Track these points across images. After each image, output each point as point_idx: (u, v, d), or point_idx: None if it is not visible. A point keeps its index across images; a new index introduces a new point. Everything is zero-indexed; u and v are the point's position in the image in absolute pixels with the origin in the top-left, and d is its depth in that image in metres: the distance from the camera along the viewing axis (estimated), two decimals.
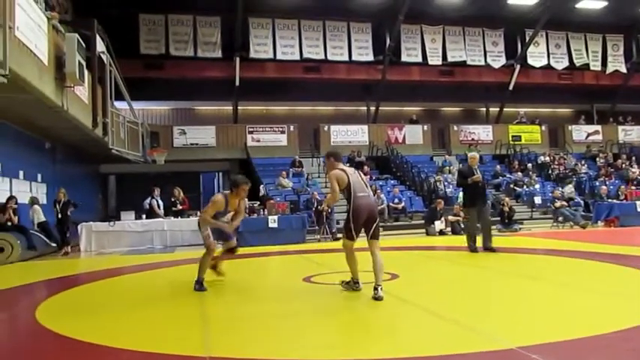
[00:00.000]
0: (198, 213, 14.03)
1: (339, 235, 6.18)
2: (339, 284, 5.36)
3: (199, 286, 5.50)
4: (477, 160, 8.89)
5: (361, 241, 5.08)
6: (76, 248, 11.87)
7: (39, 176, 12.48)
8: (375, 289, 4.79)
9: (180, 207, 13.63)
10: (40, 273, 8.08)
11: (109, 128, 11.97)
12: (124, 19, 18.39)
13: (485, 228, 8.56)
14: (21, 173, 11.53)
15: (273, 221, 11.89)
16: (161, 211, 13.47)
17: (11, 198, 10.25)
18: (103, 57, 11.78)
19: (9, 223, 10.02)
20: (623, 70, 23.09)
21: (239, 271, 7.52)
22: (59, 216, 11.02)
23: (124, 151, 13.53)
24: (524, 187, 17.80)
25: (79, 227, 12.25)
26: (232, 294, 5.62)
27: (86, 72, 10.44)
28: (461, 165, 9.06)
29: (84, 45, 10.00)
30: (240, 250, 10.52)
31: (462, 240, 8.98)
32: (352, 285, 5.23)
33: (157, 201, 13.51)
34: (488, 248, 8.43)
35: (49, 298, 5.52)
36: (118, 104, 13.91)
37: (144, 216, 13.11)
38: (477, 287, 5.68)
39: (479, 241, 8.57)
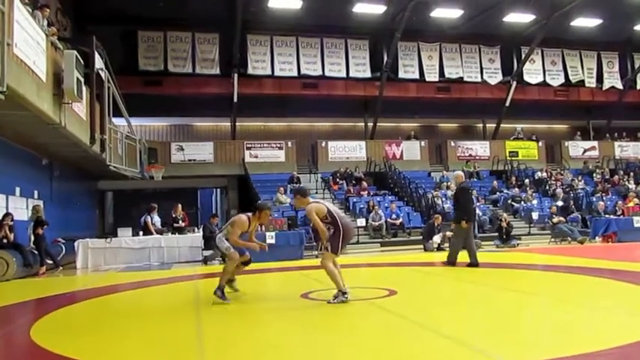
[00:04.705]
0: (196, 229, 14.08)
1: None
2: (331, 301, 5.37)
3: (221, 293, 5.62)
4: (460, 178, 9.45)
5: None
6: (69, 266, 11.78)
7: (35, 193, 12.42)
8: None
9: (183, 223, 13.60)
10: (35, 290, 8.00)
11: (106, 145, 11.95)
12: (122, 35, 18.58)
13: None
14: (17, 190, 11.47)
15: (270, 237, 11.81)
16: (157, 228, 13.37)
17: (7, 215, 10.19)
18: (102, 73, 11.81)
19: (5, 241, 9.94)
20: (619, 86, 23.33)
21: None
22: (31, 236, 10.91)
23: (121, 167, 13.51)
24: (522, 202, 17.82)
25: (75, 244, 12.16)
26: (229, 312, 5.56)
27: (84, 88, 10.46)
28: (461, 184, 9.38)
29: (82, 62, 10.04)
30: None
31: (461, 256, 8.97)
32: (342, 296, 5.30)
33: (152, 218, 13.43)
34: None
35: (44, 316, 5.45)
36: (116, 120, 13.94)
37: (141, 232, 13.05)
38: (475, 303, 5.64)
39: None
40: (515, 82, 22.00)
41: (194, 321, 4.98)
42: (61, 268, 11.36)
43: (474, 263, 8.57)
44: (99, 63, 11.61)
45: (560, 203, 16.53)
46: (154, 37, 18.99)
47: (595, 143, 23.57)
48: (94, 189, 18.97)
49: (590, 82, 23.11)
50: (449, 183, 18.77)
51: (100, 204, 19.97)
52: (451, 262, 8.77)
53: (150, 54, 18.92)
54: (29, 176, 12.20)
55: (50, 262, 11.08)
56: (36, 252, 10.76)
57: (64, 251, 12.22)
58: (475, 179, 20.36)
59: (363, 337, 4.16)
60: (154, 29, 18.90)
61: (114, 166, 12.71)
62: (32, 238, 10.95)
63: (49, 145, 11.49)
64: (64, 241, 12.49)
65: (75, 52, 9.66)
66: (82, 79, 9.97)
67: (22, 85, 7.58)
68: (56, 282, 9.51)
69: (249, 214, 5.96)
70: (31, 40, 8.05)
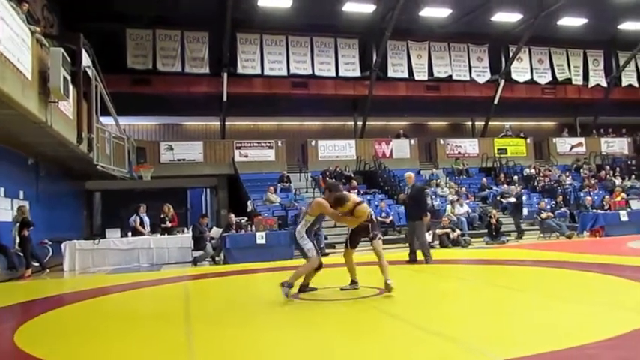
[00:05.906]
0: (185, 230, 13.94)
1: (328, 251, 6.35)
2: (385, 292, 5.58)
3: (287, 285, 5.62)
4: (411, 179, 10.04)
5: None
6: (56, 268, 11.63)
7: (21, 193, 12.26)
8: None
9: (170, 224, 13.44)
10: (20, 294, 7.87)
11: (94, 144, 11.83)
12: (111, 33, 18.38)
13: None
14: (2, 190, 11.31)
15: (261, 237, 11.75)
16: (146, 229, 13.24)
17: None
18: (89, 72, 11.69)
19: None
20: (604, 84, 23.64)
21: (226, 289, 7.41)
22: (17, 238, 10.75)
23: (109, 167, 13.38)
24: (511, 199, 17.85)
25: (62, 245, 12.00)
26: (219, 313, 5.52)
27: (71, 87, 10.33)
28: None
29: (69, 59, 9.91)
30: (227, 268, 10.41)
31: (451, 253, 9.09)
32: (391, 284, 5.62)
33: (142, 218, 13.29)
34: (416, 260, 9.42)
35: (29, 321, 5.35)
36: (103, 120, 13.80)
37: (129, 233, 12.91)
38: (465, 300, 5.65)
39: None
40: (503, 81, 22.19)
41: (184, 322, 4.92)
42: (47, 270, 11.20)
43: (412, 259, 9.39)
44: (86, 61, 11.49)
45: (512, 199, 15.82)
46: (143, 35, 18.83)
47: (582, 140, 23.82)
48: (82, 189, 18.78)
49: (577, 80, 23.40)
50: (438, 181, 18.87)
51: (87, 204, 19.78)
52: (427, 260, 9.22)
53: (138, 52, 18.77)
54: (14, 176, 12.03)
55: (36, 264, 10.92)
56: (21, 254, 10.60)
57: (50, 253, 12.08)
58: (464, 177, 20.47)
59: (353, 335, 4.14)
60: (143, 27, 18.74)
61: (102, 166, 12.59)
62: (18, 239, 10.78)
63: (35, 144, 11.34)
64: (50, 243, 12.35)
65: (61, 49, 9.54)
66: (69, 78, 9.84)
67: (7, 82, 7.47)
68: (42, 284, 9.39)
69: (324, 196, 6.17)
70: (16, 37, 7.93)
